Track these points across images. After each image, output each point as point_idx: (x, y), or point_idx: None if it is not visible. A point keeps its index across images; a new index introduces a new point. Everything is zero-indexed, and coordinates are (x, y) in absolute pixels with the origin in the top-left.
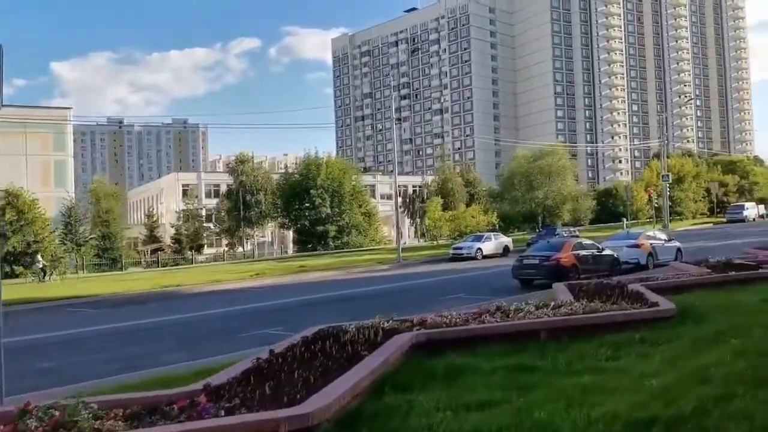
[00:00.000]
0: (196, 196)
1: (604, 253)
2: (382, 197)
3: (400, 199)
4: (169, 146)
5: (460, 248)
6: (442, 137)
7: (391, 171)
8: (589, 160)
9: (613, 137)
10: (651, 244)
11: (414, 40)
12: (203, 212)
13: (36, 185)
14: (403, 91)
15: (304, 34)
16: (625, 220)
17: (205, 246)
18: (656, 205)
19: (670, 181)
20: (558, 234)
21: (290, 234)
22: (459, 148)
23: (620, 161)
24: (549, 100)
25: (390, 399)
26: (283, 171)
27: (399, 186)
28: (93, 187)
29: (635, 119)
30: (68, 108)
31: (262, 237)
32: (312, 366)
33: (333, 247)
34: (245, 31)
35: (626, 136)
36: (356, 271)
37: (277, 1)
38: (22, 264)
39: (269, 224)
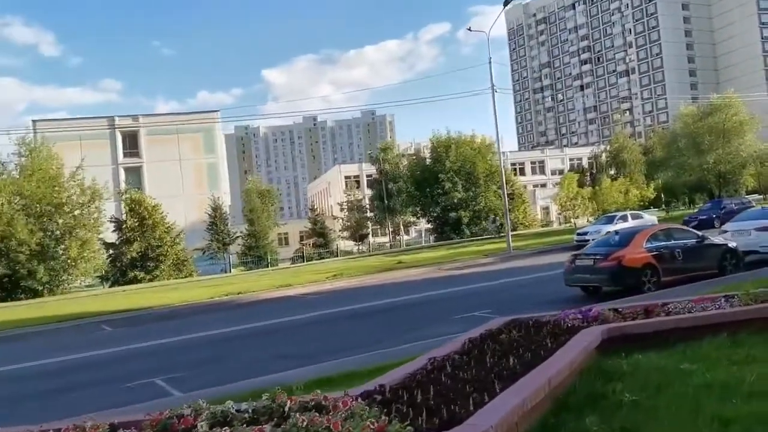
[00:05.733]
0: (357, 187)
1: (707, 243)
2: (552, 173)
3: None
4: (360, 138)
5: (585, 233)
6: (630, 101)
7: (575, 143)
8: None
9: None
10: None
11: (592, 0)
12: (365, 202)
13: (190, 188)
14: (584, 56)
15: (490, 12)
16: None
17: (370, 235)
18: None
19: None
20: (725, 207)
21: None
22: (650, 111)
23: None
24: (755, 47)
25: None
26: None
27: (573, 159)
28: (247, 187)
29: None
30: (215, 111)
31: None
32: None
33: (469, 234)
34: (434, 17)
35: None
36: (450, 267)
37: None
38: (144, 269)
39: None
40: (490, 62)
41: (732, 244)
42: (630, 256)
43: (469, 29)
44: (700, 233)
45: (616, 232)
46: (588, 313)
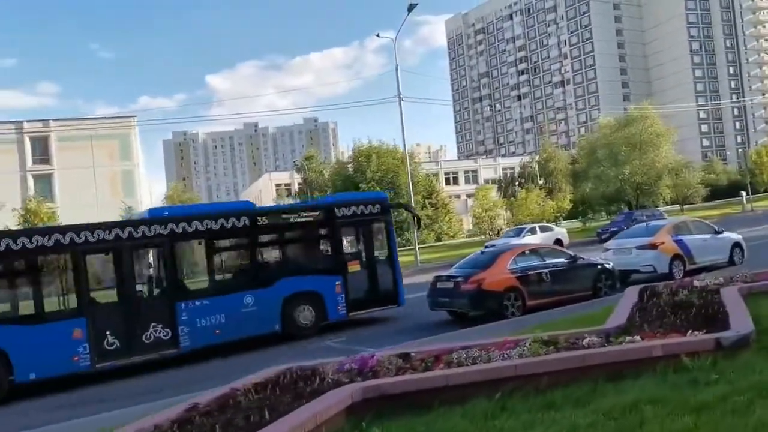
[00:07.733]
0: (288, 195)
1: (580, 263)
2: (486, 182)
3: (494, 185)
4: (302, 145)
5: (494, 246)
6: (566, 111)
7: (513, 152)
8: (737, 123)
9: (764, 94)
10: (681, 240)
11: (529, 11)
12: None
13: (105, 196)
14: (521, 66)
15: (435, 21)
16: (744, 194)
17: None
18: None
19: None
20: (635, 219)
21: None
22: (584, 122)
23: None
24: (685, 60)
25: None
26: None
27: (506, 169)
28: (168, 194)
29: None
30: (132, 116)
31: None
32: None
33: None
34: (381, 26)
35: None
36: None
37: None
38: None
39: None
40: (396, 69)
41: (608, 264)
42: (491, 279)
43: (378, 35)
44: (572, 253)
45: (482, 252)
46: (367, 362)
